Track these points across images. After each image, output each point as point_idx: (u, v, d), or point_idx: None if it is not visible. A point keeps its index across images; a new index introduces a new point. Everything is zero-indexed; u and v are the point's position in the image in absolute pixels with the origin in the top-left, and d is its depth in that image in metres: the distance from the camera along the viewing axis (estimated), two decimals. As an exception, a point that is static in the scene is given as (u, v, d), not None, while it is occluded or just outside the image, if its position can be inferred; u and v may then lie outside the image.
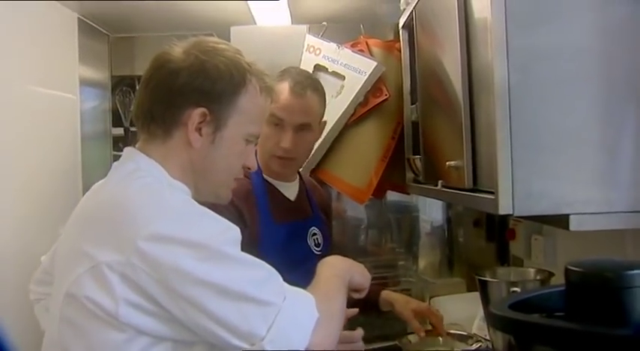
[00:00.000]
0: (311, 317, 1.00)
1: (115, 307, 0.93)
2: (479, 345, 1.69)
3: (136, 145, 1.14)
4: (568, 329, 0.71)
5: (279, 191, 1.67)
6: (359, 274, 1.27)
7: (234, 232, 1.00)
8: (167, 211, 0.98)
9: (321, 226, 1.75)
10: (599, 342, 0.69)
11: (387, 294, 1.82)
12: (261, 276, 0.99)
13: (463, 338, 1.76)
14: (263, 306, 0.95)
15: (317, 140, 1.72)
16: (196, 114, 1.07)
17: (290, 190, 1.70)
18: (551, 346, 0.73)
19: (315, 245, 1.71)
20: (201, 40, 1.14)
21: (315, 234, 1.71)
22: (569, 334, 0.70)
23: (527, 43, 1.12)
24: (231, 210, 1.47)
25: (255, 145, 1.20)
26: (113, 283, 0.92)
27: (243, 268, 0.98)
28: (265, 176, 1.64)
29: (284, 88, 1.58)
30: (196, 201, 1.08)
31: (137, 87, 3.35)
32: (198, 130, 1.08)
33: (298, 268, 1.63)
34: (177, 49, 1.11)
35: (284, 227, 1.63)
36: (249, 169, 1.20)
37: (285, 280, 1.55)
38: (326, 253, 1.71)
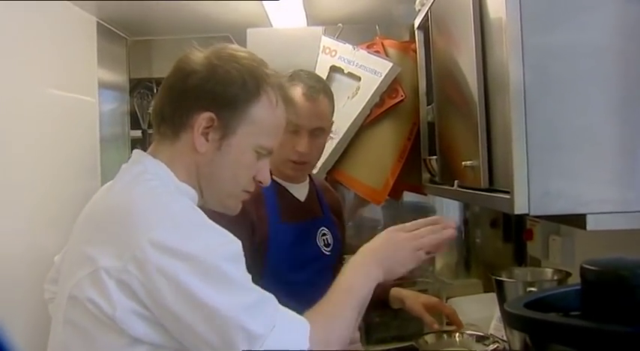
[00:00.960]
0: (299, 347, 0.96)
1: (112, 312, 0.93)
2: (495, 345, 1.69)
3: (149, 147, 1.15)
4: (584, 328, 0.71)
5: (289, 192, 1.68)
6: (399, 263, 1.21)
7: (233, 246, 0.97)
8: (168, 219, 0.96)
9: (332, 226, 1.76)
10: (615, 340, 0.68)
11: (397, 291, 1.82)
12: (254, 301, 0.95)
13: (480, 339, 1.76)
14: (250, 336, 0.92)
15: (324, 142, 1.73)
16: (203, 118, 1.06)
17: (300, 191, 1.71)
18: (568, 345, 0.73)
19: (325, 245, 1.71)
20: (222, 46, 1.13)
21: (325, 234, 1.72)
22: (585, 333, 0.70)
23: (543, 41, 1.11)
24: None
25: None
26: (110, 289, 0.93)
27: (236, 290, 0.94)
28: (274, 177, 1.66)
29: (297, 94, 1.59)
30: (205, 208, 1.08)
31: (155, 89, 3.40)
32: (205, 134, 1.07)
33: (307, 268, 1.65)
34: (198, 54, 1.11)
35: (293, 227, 1.64)
36: (261, 183, 1.17)
37: (294, 279, 1.56)
38: (336, 253, 1.74)
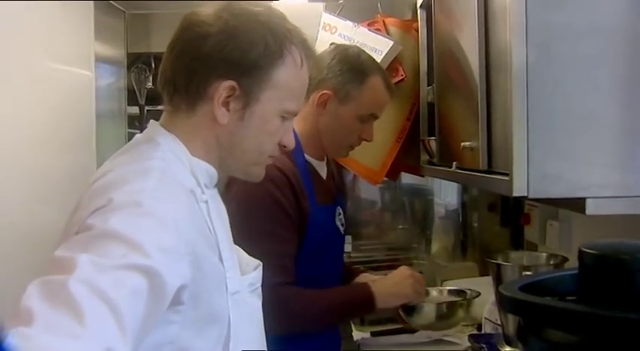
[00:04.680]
0: None
1: None
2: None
3: (161, 117, 1.05)
4: (580, 312, 0.69)
5: (317, 172, 1.68)
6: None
7: (158, 277, 0.78)
8: (134, 205, 0.84)
9: (344, 205, 1.78)
10: (611, 325, 0.67)
11: (363, 277, 1.79)
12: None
13: (458, 293, 1.80)
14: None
15: None
16: (223, 87, 0.96)
17: (323, 169, 1.71)
18: (562, 329, 0.72)
19: (341, 224, 1.72)
20: (235, 2, 1.00)
21: (340, 214, 1.72)
22: (581, 317, 0.69)
23: (548, 20, 1.08)
24: (287, 192, 1.52)
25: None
26: None
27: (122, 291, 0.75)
28: (306, 155, 1.64)
29: (379, 84, 1.63)
30: (225, 176, 1.04)
31: (153, 65, 3.34)
32: (226, 105, 0.97)
33: (329, 250, 1.67)
34: (208, 10, 0.99)
35: (324, 209, 1.65)
36: (285, 147, 1.07)
37: (323, 264, 1.66)
38: (346, 230, 1.77)
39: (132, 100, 2.98)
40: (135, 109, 3.14)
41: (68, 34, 2.32)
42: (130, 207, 0.83)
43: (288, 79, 1.01)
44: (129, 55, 2.93)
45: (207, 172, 1.01)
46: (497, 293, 0.74)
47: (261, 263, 1.10)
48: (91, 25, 2.48)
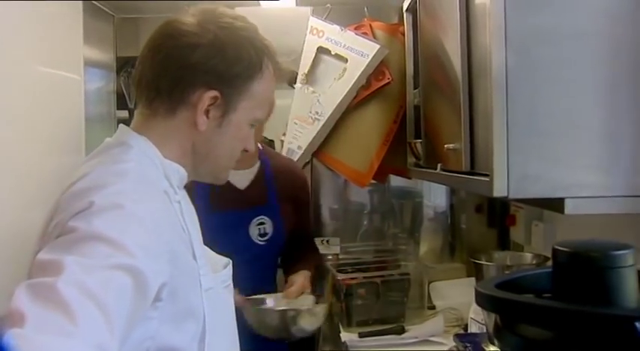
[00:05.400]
0: None
1: None
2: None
3: (133, 119, 1.08)
4: (553, 308, 0.71)
5: (228, 180, 1.68)
6: None
7: (142, 276, 0.81)
8: (112, 207, 0.85)
9: (274, 215, 1.73)
10: (582, 320, 0.69)
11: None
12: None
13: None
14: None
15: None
16: (207, 96, 1.00)
17: (242, 178, 1.69)
18: (537, 325, 0.73)
19: (260, 235, 1.70)
20: (216, 12, 1.05)
21: (262, 223, 1.70)
22: (554, 313, 0.70)
23: (527, 25, 1.11)
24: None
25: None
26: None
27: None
28: None
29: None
30: (193, 180, 1.06)
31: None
32: (206, 112, 1.02)
33: (234, 258, 1.66)
34: (191, 19, 1.03)
35: (219, 216, 1.64)
36: (246, 151, 1.13)
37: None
38: (275, 243, 1.73)
39: (121, 103, 2.99)
40: (124, 113, 3.14)
41: (57, 38, 2.32)
42: (112, 209, 0.85)
43: (262, 90, 1.07)
44: (118, 59, 2.93)
45: (178, 173, 1.05)
46: (475, 291, 0.76)
47: (230, 261, 1.15)
48: (80, 28, 2.48)
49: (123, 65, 3.05)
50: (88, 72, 2.57)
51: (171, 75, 1.01)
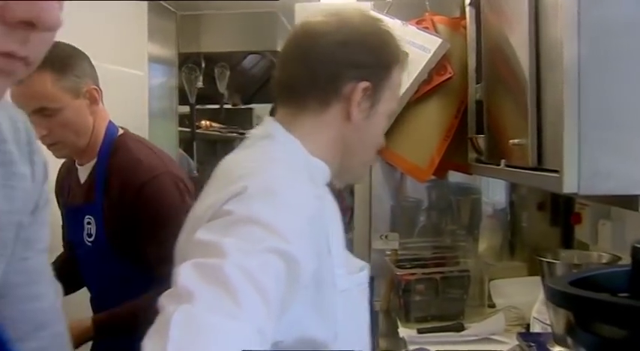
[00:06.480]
0: None
1: None
2: None
3: (277, 116, 1.10)
4: (632, 306, 0.69)
5: (76, 173, 1.67)
6: None
7: (295, 254, 0.82)
8: (268, 194, 0.88)
9: (98, 216, 1.57)
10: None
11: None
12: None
13: None
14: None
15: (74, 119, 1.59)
16: (361, 87, 1.04)
17: (83, 173, 1.65)
18: (614, 325, 0.71)
19: (87, 235, 1.59)
20: (348, 13, 1.10)
21: (89, 223, 1.59)
22: (632, 311, 0.68)
23: (600, 15, 1.07)
24: None
25: None
26: None
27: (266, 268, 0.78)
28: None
29: None
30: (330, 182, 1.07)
31: (202, 64, 3.39)
32: (358, 104, 1.05)
33: (76, 252, 1.65)
34: (329, 20, 1.07)
35: (66, 210, 1.69)
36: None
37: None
38: (99, 248, 1.58)
39: (182, 99, 3.06)
40: (185, 108, 3.21)
41: (123, 36, 2.40)
42: (266, 194, 0.88)
43: (399, 80, 1.11)
44: (180, 55, 3.00)
45: (322, 170, 1.06)
46: (547, 288, 0.74)
47: (367, 264, 1.11)
48: (144, 27, 2.56)
49: (184, 61, 3.12)
50: (151, 68, 2.64)
51: (324, 71, 1.05)
